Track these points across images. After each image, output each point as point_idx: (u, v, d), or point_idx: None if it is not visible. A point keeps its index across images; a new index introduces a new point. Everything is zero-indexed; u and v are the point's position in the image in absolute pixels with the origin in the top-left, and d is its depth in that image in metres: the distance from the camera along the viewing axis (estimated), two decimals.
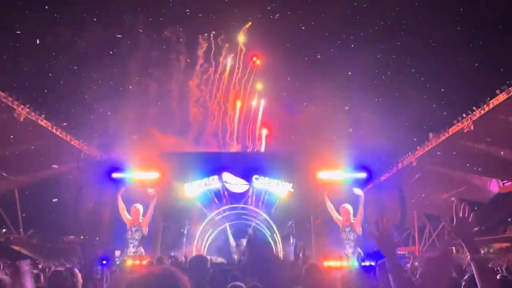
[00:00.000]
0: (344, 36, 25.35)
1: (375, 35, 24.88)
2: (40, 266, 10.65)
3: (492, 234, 22.04)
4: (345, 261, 17.52)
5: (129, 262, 15.26)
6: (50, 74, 21.84)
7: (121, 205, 20.19)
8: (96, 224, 21.76)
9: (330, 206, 20.58)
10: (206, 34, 28.99)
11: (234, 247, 21.53)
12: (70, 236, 23.73)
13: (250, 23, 28.01)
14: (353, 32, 24.84)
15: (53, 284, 2.72)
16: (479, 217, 24.38)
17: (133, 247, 19.46)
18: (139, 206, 20.38)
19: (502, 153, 19.72)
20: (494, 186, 24.65)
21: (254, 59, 30.01)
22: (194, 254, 17.28)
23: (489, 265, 9.70)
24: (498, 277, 3.83)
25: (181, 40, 28.14)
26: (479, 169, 22.59)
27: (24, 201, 23.65)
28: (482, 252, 22.62)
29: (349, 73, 24.55)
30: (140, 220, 20.12)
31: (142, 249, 19.62)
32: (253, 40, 29.27)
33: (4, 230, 24.35)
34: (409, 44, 23.96)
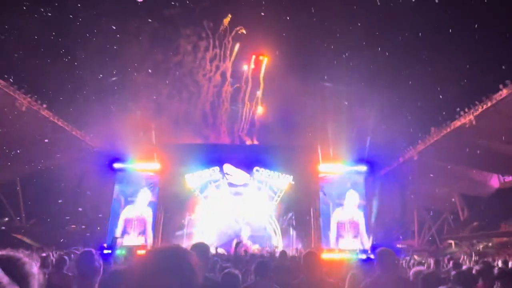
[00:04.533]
0: (346, 29, 25.14)
1: (378, 28, 24.69)
2: (44, 254, 10.72)
3: (492, 229, 22.13)
4: (345, 253, 17.67)
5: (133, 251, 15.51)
6: (52, 65, 21.77)
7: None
8: (97, 213, 21.90)
9: None
10: (205, 24, 28.74)
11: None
12: (72, 226, 23.90)
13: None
14: (356, 25, 24.64)
15: (83, 264, 2.79)
16: (479, 212, 24.52)
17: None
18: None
19: (503, 148, 19.70)
20: (495, 181, 24.68)
21: (261, 57, 29.87)
22: None
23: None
24: (496, 270, 3.88)
25: (181, 30, 27.99)
26: (480, 164, 22.58)
27: (26, 190, 23.79)
28: (481, 246, 22.74)
29: (351, 65, 24.41)
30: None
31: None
32: (255, 35, 29.13)
33: (6, 219, 24.54)
34: (412, 38, 23.82)
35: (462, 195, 26.70)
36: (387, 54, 23.99)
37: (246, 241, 21.26)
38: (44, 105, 19.78)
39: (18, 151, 20.42)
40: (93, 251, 2.88)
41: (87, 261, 2.77)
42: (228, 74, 29.88)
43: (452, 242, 25.89)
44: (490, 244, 22.93)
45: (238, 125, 29.95)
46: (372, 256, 6.13)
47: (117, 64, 23.88)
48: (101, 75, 23.24)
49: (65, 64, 22.66)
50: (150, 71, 26.21)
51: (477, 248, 22.87)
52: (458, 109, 19.70)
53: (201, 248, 3.35)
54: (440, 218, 29.36)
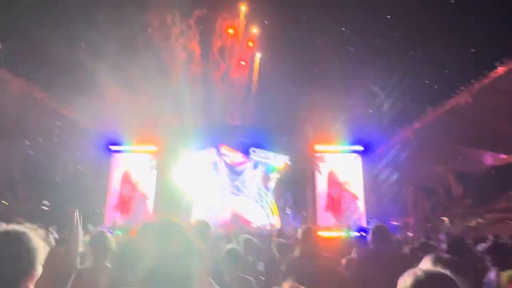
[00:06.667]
0: (342, 7, 24.66)
1: (375, 5, 24.26)
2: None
3: (485, 205, 22.55)
4: (342, 231, 17.96)
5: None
6: (42, 44, 21.29)
7: None
8: (93, 195, 21.96)
9: None
10: None
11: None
12: (70, 207, 23.93)
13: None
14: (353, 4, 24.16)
15: (98, 243, 2.93)
16: (472, 189, 24.90)
17: None
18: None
19: (498, 126, 19.84)
20: (489, 159, 24.95)
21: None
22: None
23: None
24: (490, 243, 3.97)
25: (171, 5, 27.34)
26: (476, 142, 22.78)
27: (21, 173, 23.64)
28: (474, 222, 23.21)
29: (347, 41, 24.13)
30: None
31: None
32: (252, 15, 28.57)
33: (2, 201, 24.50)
34: (408, 15, 23.43)
35: (456, 173, 27.01)
36: (382, 31, 23.68)
37: (244, 218, 21.60)
38: (37, 88, 19.52)
39: (11, 133, 20.21)
40: (106, 229, 3.04)
41: (102, 240, 2.90)
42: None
43: (446, 218, 26.35)
44: (482, 220, 23.36)
45: (233, 105, 29.74)
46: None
47: (112, 42, 23.37)
48: (96, 55, 22.73)
49: (56, 43, 22.17)
50: (145, 49, 25.74)
51: (470, 224, 23.32)
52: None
53: (201, 227, 3.34)
54: (435, 196, 29.78)
